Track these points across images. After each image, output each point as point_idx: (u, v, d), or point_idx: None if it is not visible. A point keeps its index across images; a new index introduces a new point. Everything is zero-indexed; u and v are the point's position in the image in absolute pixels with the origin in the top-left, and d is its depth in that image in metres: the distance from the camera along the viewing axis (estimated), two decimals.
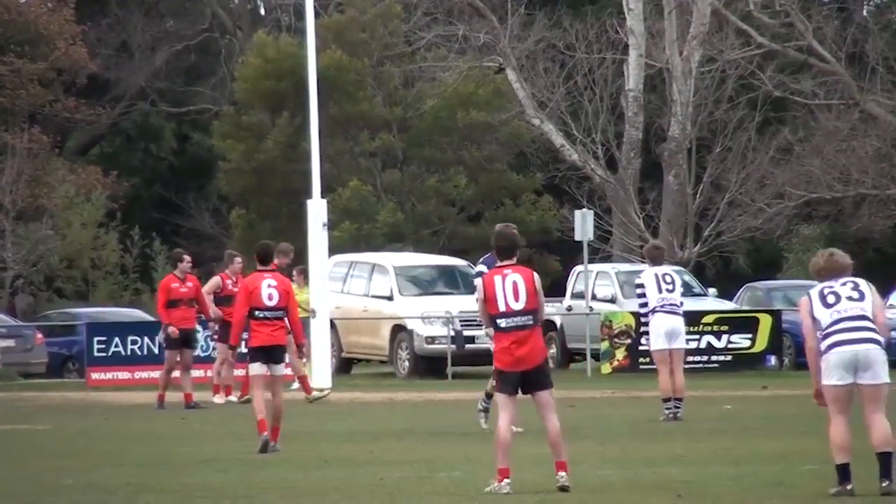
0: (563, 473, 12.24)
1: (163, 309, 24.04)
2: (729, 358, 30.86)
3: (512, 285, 12.22)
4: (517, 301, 12.20)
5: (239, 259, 25.27)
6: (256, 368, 16.34)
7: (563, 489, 12.18)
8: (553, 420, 12.23)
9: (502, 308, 12.20)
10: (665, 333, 18.90)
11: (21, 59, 47.04)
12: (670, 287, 19.09)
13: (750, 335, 30.90)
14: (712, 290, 34.39)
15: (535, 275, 12.41)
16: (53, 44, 47.68)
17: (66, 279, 44.41)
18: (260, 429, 16.31)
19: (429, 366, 31.84)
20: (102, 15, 52.90)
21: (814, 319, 11.64)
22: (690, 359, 30.41)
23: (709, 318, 31.15)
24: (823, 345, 11.58)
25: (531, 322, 12.22)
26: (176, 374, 24.15)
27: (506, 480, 12.19)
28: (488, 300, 12.20)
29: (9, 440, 18.97)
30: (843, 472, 11.60)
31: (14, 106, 46.83)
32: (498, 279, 12.24)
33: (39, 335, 34.56)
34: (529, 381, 12.23)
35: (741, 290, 35.08)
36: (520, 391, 12.36)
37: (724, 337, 30.83)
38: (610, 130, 40.82)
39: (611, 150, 40.87)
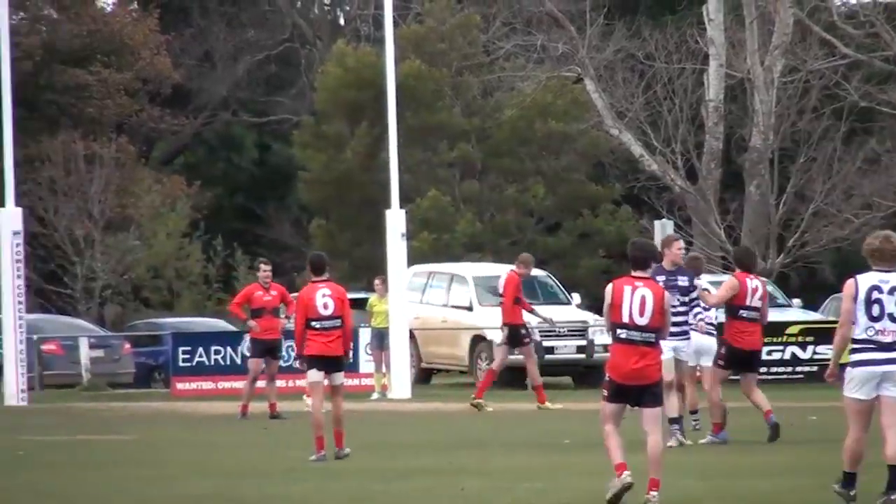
0: (654, 492, 12.10)
1: (236, 307, 24.14)
2: (815, 369, 30.64)
3: (640, 299, 12.07)
4: (642, 316, 12.05)
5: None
6: (313, 375, 16.40)
7: None
8: (656, 436, 12.14)
9: (626, 319, 12.06)
10: (694, 352, 18.75)
11: (107, 68, 47.57)
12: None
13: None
14: (797, 301, 34.17)
15: (666, 293, 12.26)
16: (138, 54, 48.19)
17: (151, 289, 44.75)
18: (318, 446, 16.35)
19: (508, 376, 31.78)
20: (185, 25, 53.35)
21: (855, 303, 11.63)
22: (775, 369, 30.35)
23: (793, 329, 30.99)
24: (853, 357, 11.68)
25: (653, 339, 12.09)
26: (261, 383, 24.10)
27: (626, 472, 12.04)
28: (614, 307, 12.08)
29: (97, 450, 19.12)
30: (850, 480, 11.83)
31: (102, 116, 47.36)
32: (628, 289, 12.09)
33: (127, 345, 34.76)
34: (640, 396, 12.15)
35: (827, 300, 34.79)
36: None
37: (810, 348, 30.65)
38: (690, 140, 40.61)
39: (691, 160, 40.67)
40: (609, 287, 12.18)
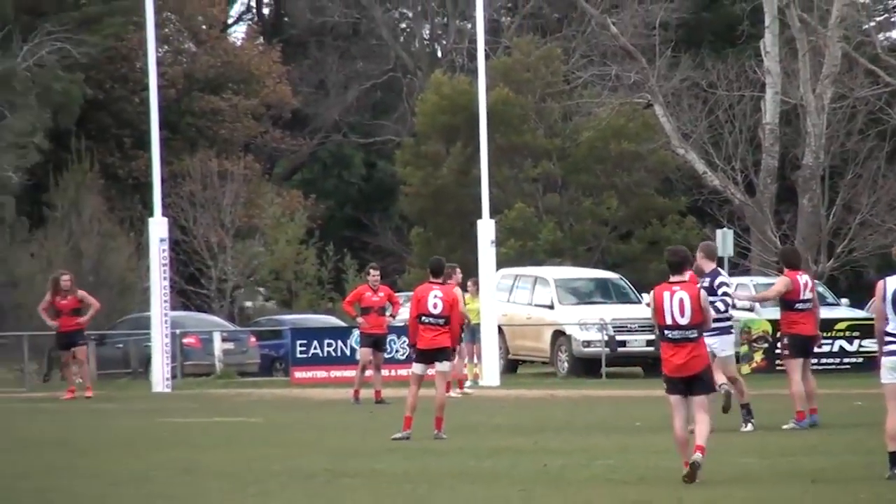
0: (698, 454, 12.05)
1: (348, 305, 24.34)
2: (860, 360, 30.55)
3: (679, 301, 12.07)
4: (682, 316, 12.05)
5: (459, 270, 25.00)
6: (416, 368, 16.54)
7: (694, 464, 11.99)
8: (704, 418, 12.12)
9: (668, 321, 12.07)
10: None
11: (237, 95, 48.05)
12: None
13: None
14: (845, 301, 33.96)
15: (702, 292, 12.19)
16: (263, 82, 48.64)
17: (273, 289, 45.08)
18: (405, 424, 16.45)
19: (585, 366, 31.76)
20: (303, 57, 53.71)
21: (884, 302, 11.83)
22: (825, 360, 30.20)
23: (841, 325, 30.86)
24: (885, 347, 11.88)
25: (695, 335, 12.08)
26: (368, 373, 24.20)
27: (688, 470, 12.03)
28: (657, 311, 12.11)
29: (228, 430, 19.27)
30: (893, 459, 11.84)
31: (232, 137, 47.87)
32: (666, 294, 12.09)
33: (253, 338, 34.99)
34: (690, 385, 12.13)
35: (872, 300, 34.44)
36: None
37: (856, 342, 30.60)
38: (748, 159, 40.40)
39: (749, 176, 40.44)
40: (651, 294, 12.22)
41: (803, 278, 17.59)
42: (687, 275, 12.24)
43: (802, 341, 17.56)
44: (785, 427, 17.32)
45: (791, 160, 41.33)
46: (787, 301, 17.50)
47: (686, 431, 12.10)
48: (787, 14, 39.59)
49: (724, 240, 33.38)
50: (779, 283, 17.74)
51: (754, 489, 11.94)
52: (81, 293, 26.55)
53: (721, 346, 16.73)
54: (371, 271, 24.29)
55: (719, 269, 17.38)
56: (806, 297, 17.48)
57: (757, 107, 40.60)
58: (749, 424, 17.05)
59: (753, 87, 40.77)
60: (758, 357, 30.89)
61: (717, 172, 40.48)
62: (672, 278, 12.20)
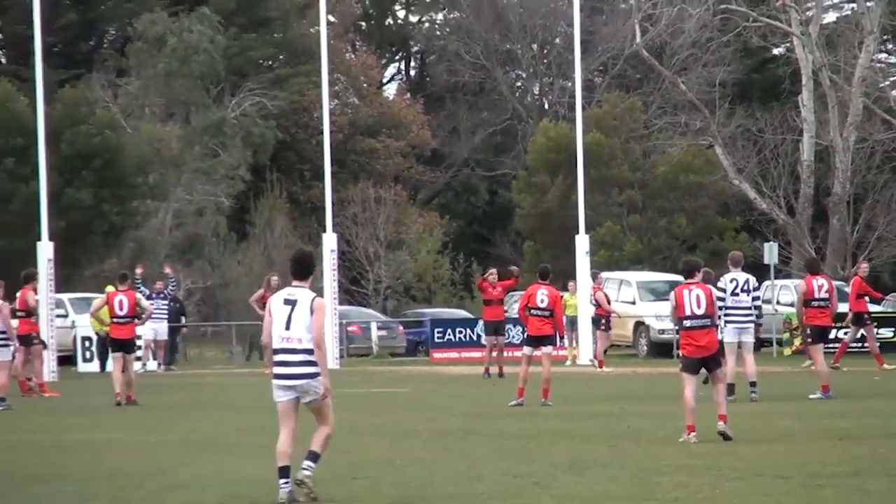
0: (722, 423, 12.10)
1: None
2: (877, 344, 30.01)
3: (695, 297, 12.12)
4: (699, 308, 12.10)
5: (601, 277, 25.12)
6: (526, 350, 16.65)
7: (722, 435, 12.02)
8: (721, 388, 12.19)
9: (688, 312, 12.11)
10: (733, 332, 17.64)
11: (389, 138, 48.67)
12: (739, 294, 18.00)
13: (893, 329, 30.11)
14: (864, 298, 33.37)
15: (713, 290, 12.29)
16: (409, 128, 49.16)
17: (416, 289, 45.44)
18: (518, 394, 16.53)
19: (660, 350, 31.54)
20: (440, 108, 54.04)
21: None
22: (850, 345, 29.65)
23: None
24: None
25: (709, 324, 12.13)
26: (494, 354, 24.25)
27: (692, 434, 12.06)
28: (678, 306, 12.15)
29: (381, 399, 19.43)
30: None
31: (385, 170, 48.49)
32: (686, 292, 12.14)
33: (401, 327, 35.29)
34: (706, 364, 12.17)
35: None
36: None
37: (874, 330, 30.10)
38: (789, 188, 40.06)
39: (790, 201, 40.05)
40: (672, 293, 12.27)
41: (819, 281, 17.44)
42: (698, 277, 12.21)
43: (819, 331, 17.38)
44: (811, 397, 17.15)
45: (823, 189, 40.85)
46: (806, 300, 17.40)
47: (695, 401, 12.09)
48: (820, 75, 39.32)
49: (770, 251, 32.94)
50: (798, 288, 17.67)
51: (793, 445, 11.88)
52: None
53: (731, 333, 16.73)
54: (489, 272, 24.68)
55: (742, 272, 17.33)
56: (820, 297, 17.33)
57: (796, 147, 40.21)
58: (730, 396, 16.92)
59: (793, 132, 40.39)
60: (797, 342, 30.49)
61: (765, 199, 40.13)
62: (687, 280, 12.24)
